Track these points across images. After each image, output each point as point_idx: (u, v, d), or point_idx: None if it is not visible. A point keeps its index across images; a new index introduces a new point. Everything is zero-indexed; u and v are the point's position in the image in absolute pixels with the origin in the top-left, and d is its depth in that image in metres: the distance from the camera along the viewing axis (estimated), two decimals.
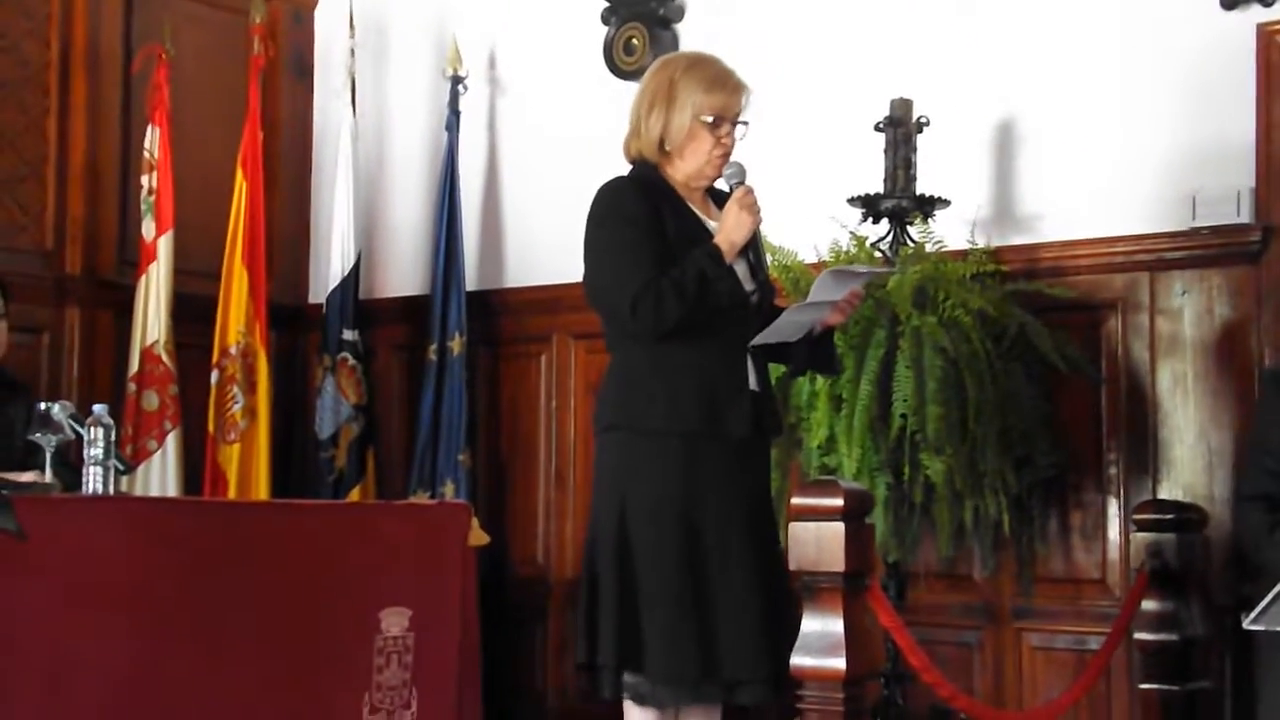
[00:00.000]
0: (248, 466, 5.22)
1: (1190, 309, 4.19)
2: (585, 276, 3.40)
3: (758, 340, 3.32)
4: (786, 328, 3.31)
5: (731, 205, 3.31)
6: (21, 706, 3.19)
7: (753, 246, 3.36)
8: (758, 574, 3.26)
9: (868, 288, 3.66)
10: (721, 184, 3.41)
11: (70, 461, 3.89)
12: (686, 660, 3.21)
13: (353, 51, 5.53)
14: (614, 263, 3.30)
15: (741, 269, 3.34)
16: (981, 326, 3.96)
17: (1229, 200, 4.10)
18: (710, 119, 3.35)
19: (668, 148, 3.38)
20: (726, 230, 3.31)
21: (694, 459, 3.27)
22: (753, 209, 3.31)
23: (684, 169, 3.40)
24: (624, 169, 3.47)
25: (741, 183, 3.34)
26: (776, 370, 3.56)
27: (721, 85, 3.37)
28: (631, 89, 4.91)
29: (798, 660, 2.61)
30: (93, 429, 3.57)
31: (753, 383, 3.35)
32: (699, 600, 3.23)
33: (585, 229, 3.38)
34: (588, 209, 3.38)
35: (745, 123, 3.41)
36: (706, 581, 3.24)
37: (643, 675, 3.24)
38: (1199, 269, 4.17)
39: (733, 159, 3.38)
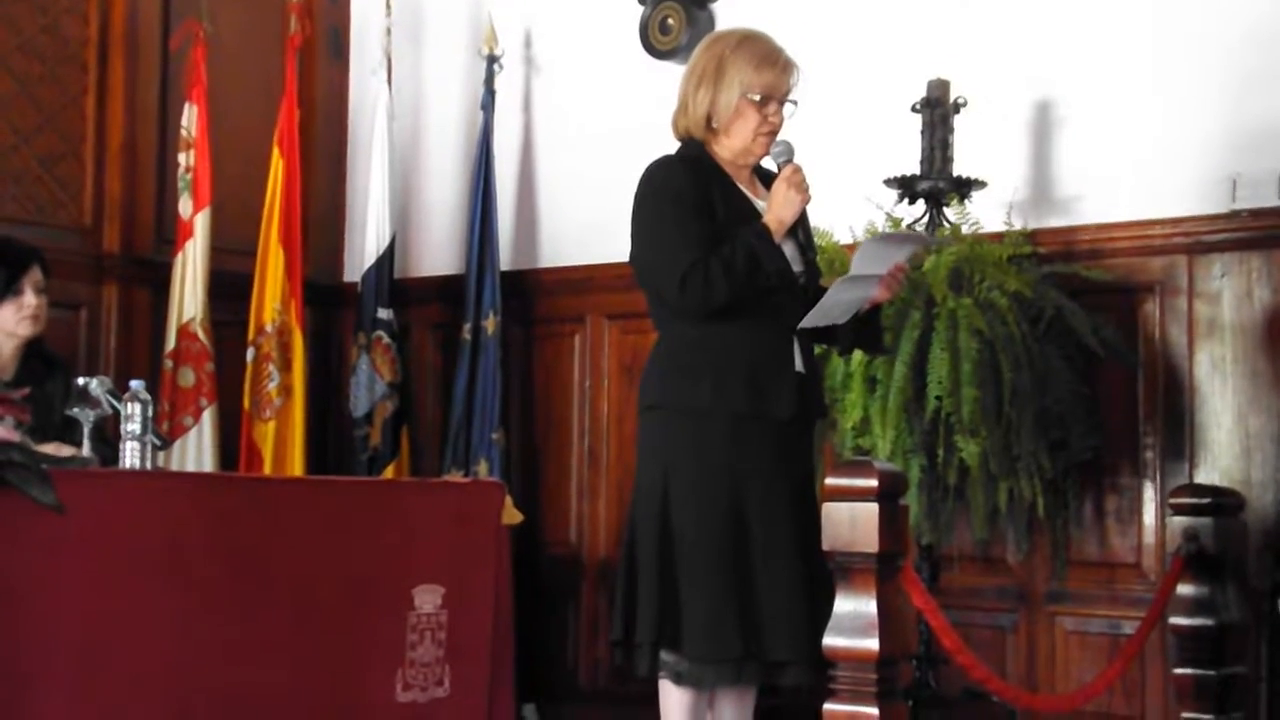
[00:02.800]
0: (283, 444, 5.24)
1: (1229, 292, 4.15)
2: (632, 254, 3.38)
3: (805, 323, 3.29)
4: (833, 308, 3.27)
5: (780, 183, 3.30)
6: (58, 678, 3.22)
7: (801, 226, 3.34)
8: (800, 556, 3.25)
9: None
10: (768, 163, 3.39)
11: (108, 437, 3.91)
12: (728, 641, 3.20)
13: (389, 30, 5.53)
14: (662, 240, 3.28)
15: (790, 249, 3.32)
16: (1018, 309, 3.94)
17: (1269, 183, 4.07)
18: (758, 97, 3.33)
19: (714, 125, 3.37)
20: (775, 208, 3.29)
21: (738, 440, 3.26)
22: (801, 187, 3.29)
23: (730, 147, 3.38)
24: (659, 149, 3.45)
25: (790, 161, 3.32)
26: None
27: (771, 63, 3.34)
28: (667, 68, 4.95)
29: (830, 641, 2.60)
30: (130, 404, 3.59)
31: (798, 364, 3.34)
32: (741, 581, 3.22)
33: (632, 206, 3.36)
34: (634, 187, 3.37)
35: (794, 102, 3.39)
36: (749, 562, 3.23)
37: (680, 654, 3.25)
38: (1238, 252, 4.14)
39: (779, 138, 3.36)
